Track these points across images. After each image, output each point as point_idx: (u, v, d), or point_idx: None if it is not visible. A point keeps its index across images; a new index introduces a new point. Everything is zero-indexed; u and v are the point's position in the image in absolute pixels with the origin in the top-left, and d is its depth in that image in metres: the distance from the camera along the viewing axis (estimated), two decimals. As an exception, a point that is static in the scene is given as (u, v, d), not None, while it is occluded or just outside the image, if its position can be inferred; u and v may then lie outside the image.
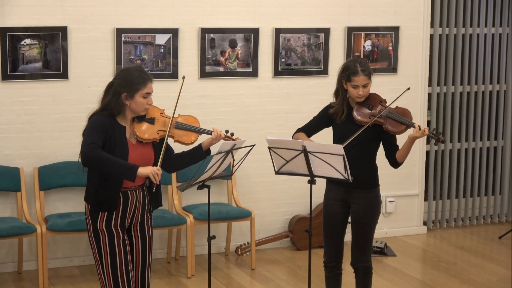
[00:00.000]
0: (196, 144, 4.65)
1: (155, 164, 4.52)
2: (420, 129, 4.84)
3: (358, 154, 4.96)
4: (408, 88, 5.28)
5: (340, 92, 5.06)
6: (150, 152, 4.52)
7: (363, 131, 4.94)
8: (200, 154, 4.60)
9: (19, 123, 6.56)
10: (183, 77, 4.89)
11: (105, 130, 4.34)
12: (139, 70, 4.49)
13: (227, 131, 4.70)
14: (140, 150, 4.47)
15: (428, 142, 8.01)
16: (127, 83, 4.40)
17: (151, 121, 4.51)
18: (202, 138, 4.68)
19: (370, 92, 5.05)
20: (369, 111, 4.98)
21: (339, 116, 5.05)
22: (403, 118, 4.94)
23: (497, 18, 8.07)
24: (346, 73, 4.97)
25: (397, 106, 5.06)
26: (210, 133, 4.61)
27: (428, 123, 7.94)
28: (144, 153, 4.48)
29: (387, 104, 5.00)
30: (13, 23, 6.42)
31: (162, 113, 4.58)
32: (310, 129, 5.20)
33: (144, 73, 4.47)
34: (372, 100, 5.02)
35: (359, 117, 4.98)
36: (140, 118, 4.50)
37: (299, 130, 5.21)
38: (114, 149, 4.35)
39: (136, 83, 4.40)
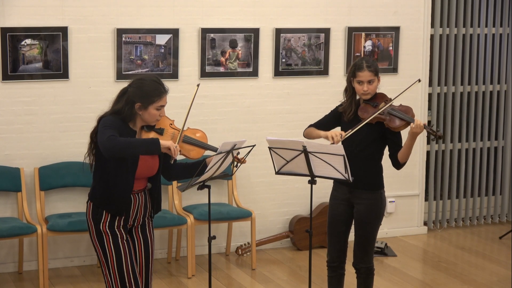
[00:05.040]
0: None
1: (157, 173, 4.54)
2: (418, 123, 4.84)
3: (362, 154, 4.96)
4: (419, 80, 5.28)
5: (349, 90, 5.09)
6: (156, 161, 4.52)
7: (367, 128, 4.94)
8: (204, 169, 4.56)
9: (20, 123, 6.56)
10: (198, 85, 4.84)
11: (119, 130, 4.34)
12: (156, 81, 4.45)
13: (238, 153, 4.66)
14: (148, 157, 4.46)
15: (428, 142, 8.01)
16: (143, 93, 4.37)
17: (160, 131, 4.50)
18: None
19: (378, 92, 5.07)
20: (373, 109, 4.99)
21: (347, 114, 5.07)
22: (404, 115, 4.95)
23: (497, 18, 8.07)
24: (352, 70, 5.02)
25: (400, 104, 5.07)
26: (216, 150, 4.59)
27: (429, 123, 7.94)
28: (150, 161, 4.48)
29: (391, 101, 5.02)
30: (14, 23, 6.43)
31: (171, 124, 4.56)
32: (321, 126, 5.18)
33: (161, 85, 4.43)
34: (378, 99, 5.04)
35: (362, 115, 4.99)
36: (149, 127, 4.49)
37: (310, 126, 5.22)
38: None
39: (152, 96, 4.37)
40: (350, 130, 4.93)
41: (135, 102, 4.37)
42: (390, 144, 5.05)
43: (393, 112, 4.96)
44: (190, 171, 4.60)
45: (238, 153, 4.66)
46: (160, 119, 4.48)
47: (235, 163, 4.66)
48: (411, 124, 4.88)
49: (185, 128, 4.58)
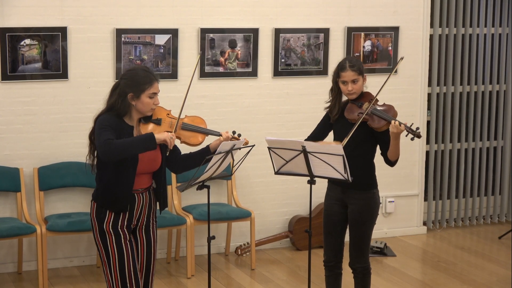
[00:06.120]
0: (203, 145, 4.65)
1: (162, 165, 4.53)
2: (395, 124, 4.82)
3: (353, 154, 4.94)
4: (402, 58, 5.34)
5: (334, 90, 5.10)
6: (157, 153, 4.51)
7: (356, 129, 4.94)
8: (208, 154, 4.55)
9: (19, 123, 6.56)
10: (199, 55, 4.82)
11: (115, 128, 4.34)
12: (145, 70, 4.47)
13: (234, 132, 4.69)
14: (149, 151, 4.46)
15: (428, 142, 8.01)
16: (133, 83, 4.39)
17: (158, 122, 4.51)
18: (209, 139, 4.68)
19: (365, 91, 5.07)
20: (358, 109, 5.00)
21: (333, 114, 5.08)
22: (384, 114, 4.94)
23: (497, 18, 8.07)
24: (336, 70, 5.04)
25: (384, 103, 5.06)
26: (217, 134, 4.61)
27: (428, 123, 7.94)
28: (151, 153, 4.46)
29: (373, 100, 5.01)
30: (13, 23, 6.43)
31: (168, 114, 4.57)
32: (317, 135, 5.17)
33: (151, 73, 4.45)
34: (364, 98, 5.05)
35: (348, 115, 5.00)
36: (147, 119, 4.50)
37: (306, 140, 5.16)
38: None
39: (142, 83, 4.39)
40: (345, 138, 4.91)
41: (127, 93, 4.38)
42: (380, 143, 5.06)
43: (375, 112, 4.96)
44: (196, 159, 4.59)
45: (240, 135, 4.66)
46: (155, 108, 4.48)
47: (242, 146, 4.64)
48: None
49: (182, 116, 4.57)
